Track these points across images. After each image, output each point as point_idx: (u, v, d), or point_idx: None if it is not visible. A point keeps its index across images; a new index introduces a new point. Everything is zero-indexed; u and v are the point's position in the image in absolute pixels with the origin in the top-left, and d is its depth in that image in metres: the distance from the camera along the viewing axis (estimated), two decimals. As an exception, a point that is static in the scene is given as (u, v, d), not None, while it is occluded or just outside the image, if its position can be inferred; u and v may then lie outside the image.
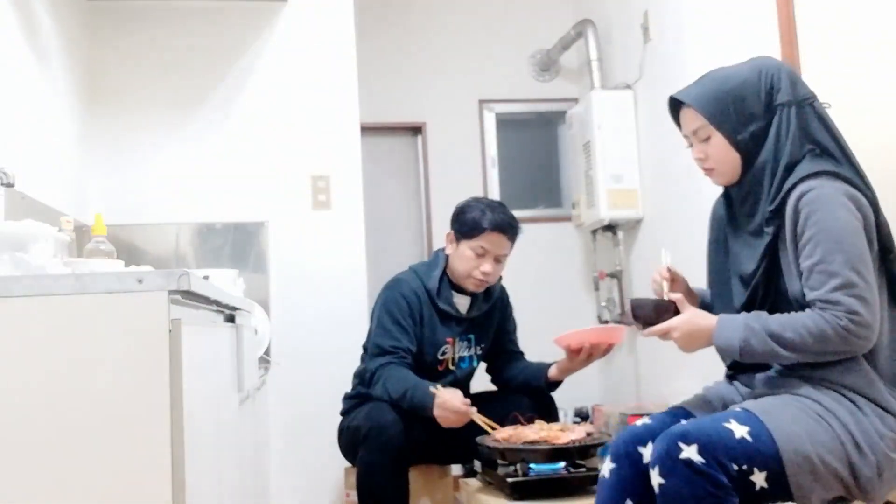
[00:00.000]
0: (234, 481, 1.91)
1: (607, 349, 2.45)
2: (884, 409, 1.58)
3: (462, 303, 2.68)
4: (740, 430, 1.52)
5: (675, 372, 3.30)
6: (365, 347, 2.76)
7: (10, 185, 2.04)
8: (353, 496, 2.75)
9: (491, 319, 2.75)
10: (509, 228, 2.58)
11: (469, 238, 2.58)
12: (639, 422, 1.70)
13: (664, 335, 1.74)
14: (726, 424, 1.54)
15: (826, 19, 2.33)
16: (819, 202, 1.58)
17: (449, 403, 2.34)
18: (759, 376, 1.73)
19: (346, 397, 2.76)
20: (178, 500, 1.26)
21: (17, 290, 1.25)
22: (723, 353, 1.70)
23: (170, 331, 1.27)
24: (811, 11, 2.39)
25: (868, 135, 2.13)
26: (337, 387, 2.90)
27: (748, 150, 1.71)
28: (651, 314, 1.77)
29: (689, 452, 1.50)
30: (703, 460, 1.49)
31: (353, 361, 2.82)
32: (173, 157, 3.31)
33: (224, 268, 3.08)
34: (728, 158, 1.73)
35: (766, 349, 1.60)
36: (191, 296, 1.41)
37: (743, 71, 1.73)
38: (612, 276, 3.87)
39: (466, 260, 2.58)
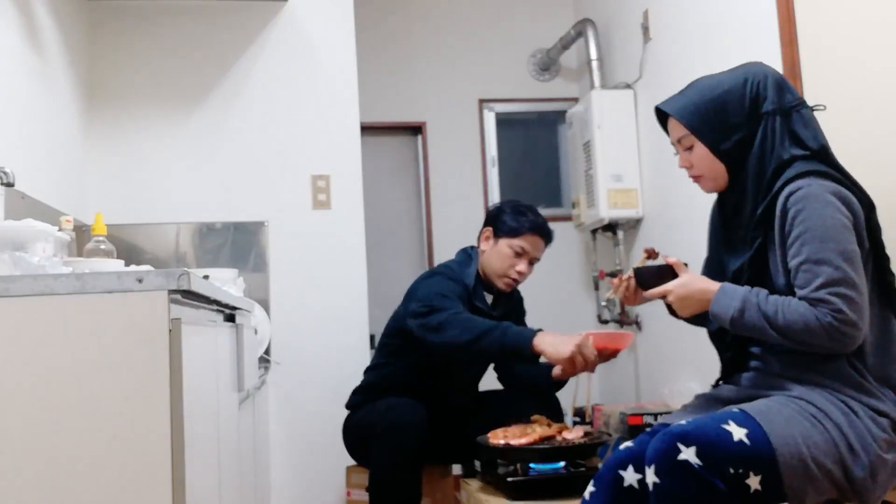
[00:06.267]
0: (234, 481, 1.91)
1: (612, 354, 2.42)
2: (875, 410, 1.57)
3: (488, 301, 2.70)
4: (738, 433, 1.51)
5: (675, 372, 3.30)
6: (382, 337, 2.76)
7: (10, 185, 2.04)
8: (355, 495, 2.75)
9: (509, 319, 2.76)
10: (548, 234, 2.64)
11: (510, 236, 2.59)
12: (622, 445, 1.68)
13: (662, 297, 1.78)
14: (725, 426, 1.53)
15: (826, 19, 2.33)
16: (806, 200, 1.59)
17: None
18: (745, 376, 1.73)
19: (356, 391, 2.76)
20: (178, 500, 1.26)
21: (17, 289, 1.25)
22: (715, 319, 1.70)
23: (170, 330, 1.28)
24: (811, 11, 2.39)
25: (869, 135, 2.13)
26: (337, 386, 2.89)
27: (732, 159, 1.72)
28: (652, 280, 1.81)
29: (688, 454, 1.48)
30: (701, 463, 1.48)
31: (354, 360, 2.82)
32: (173, 156, 3.31)
33: (224, 268, 3.08)
34: (712, 167, 1.75)
35: (757, 325, 1.61)
36: (191, 295, 1.41)
37: (728, 79, 1.74)
38: (612, 275, 3.86)
39: (504, 258, 2.60)
